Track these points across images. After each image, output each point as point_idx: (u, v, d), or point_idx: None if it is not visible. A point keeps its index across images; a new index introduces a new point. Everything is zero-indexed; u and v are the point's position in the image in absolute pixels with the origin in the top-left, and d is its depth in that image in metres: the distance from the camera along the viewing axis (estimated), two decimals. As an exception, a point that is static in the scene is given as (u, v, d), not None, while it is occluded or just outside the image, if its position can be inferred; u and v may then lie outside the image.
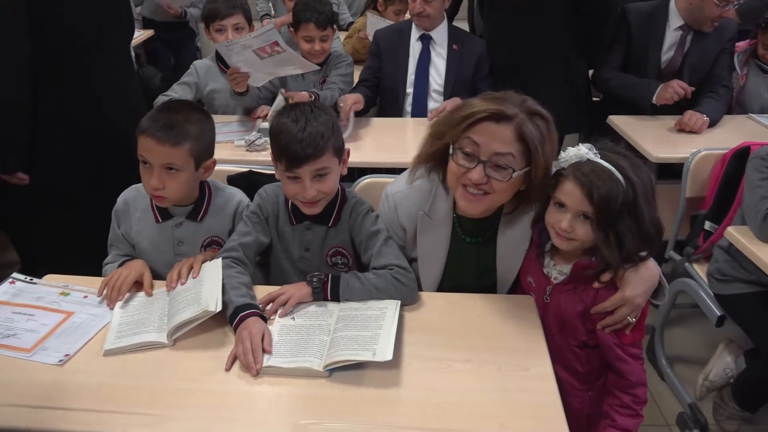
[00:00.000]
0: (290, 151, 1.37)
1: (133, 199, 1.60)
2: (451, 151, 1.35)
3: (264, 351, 1.24)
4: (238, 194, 1.64)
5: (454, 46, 2.60)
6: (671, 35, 2.56)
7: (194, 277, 1.42)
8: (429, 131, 1.42)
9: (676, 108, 2.49)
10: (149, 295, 1.44)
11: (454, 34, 2.63)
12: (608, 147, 1.31)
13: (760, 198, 1.72)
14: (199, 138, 1.49)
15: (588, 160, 1.27)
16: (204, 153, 1.52)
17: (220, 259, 1.44)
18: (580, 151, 1.28)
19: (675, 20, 2.53)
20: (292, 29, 2.59)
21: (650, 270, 1.31)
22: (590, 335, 1.35)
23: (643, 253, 1.29)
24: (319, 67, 2.52)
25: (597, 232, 1.26)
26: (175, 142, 1.44)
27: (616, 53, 2.63)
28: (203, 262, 1.47)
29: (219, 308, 1.31)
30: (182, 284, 1.42)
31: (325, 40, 2.49)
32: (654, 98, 2.49)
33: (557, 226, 1.30)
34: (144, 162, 1.46)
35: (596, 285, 1.31)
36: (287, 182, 1.43)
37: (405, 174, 1.52)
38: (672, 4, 2.54)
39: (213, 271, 1.40)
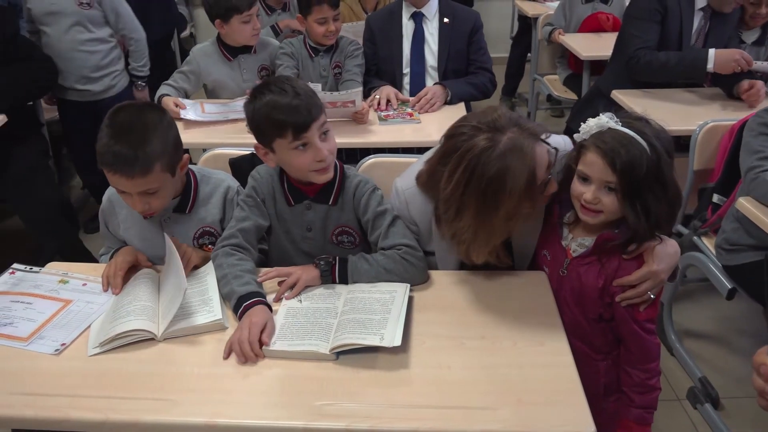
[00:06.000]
0: (293, 119, 1.33)
1: (117, 196, 1.50)
2: None
3: (261, 342, 1.20)
4: (226, 179, 1.58)
5: (445, 20, 2.55)
6: (696, 17, 2.48)
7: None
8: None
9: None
10: (150, 266, 1.43)
11: (444, 7, 2.58)
12: (630, 115, 1.28)
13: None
14: (165, 148, 1.37)
15: (609, 128, 1.24)
16: (175, 158, 1.41)
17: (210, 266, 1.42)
18: (600, 121, 1.25)
19: (700, 1, 2.46)
20: (300, 16, 2.53)
21: (674, 247, 1.30)
22: (607, 308, 1.33)
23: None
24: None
25: (623, 202, 1.23)
26: (144, 171, 1.33)
27: (652, 33, 2.46)
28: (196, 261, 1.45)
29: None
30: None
31: (337, 20, 2.45)
32: (712, 65, 2.34)
33: (582, 199, 1.27)
34: (120, 191, 1.39)
35: (626, 257, 1.28)
36: (296, 155, 1.38)
37: (414, 167, 1.47)
38: None
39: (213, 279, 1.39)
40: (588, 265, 1.33)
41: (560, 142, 1.41)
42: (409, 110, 2.34)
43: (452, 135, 1.30)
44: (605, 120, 1.25)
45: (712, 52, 2.35)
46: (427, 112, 2.37)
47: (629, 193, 1.22)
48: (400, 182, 1.48)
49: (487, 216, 1.23)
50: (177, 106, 2.29)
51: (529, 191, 1.22)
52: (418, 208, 1.44)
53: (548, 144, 1.28)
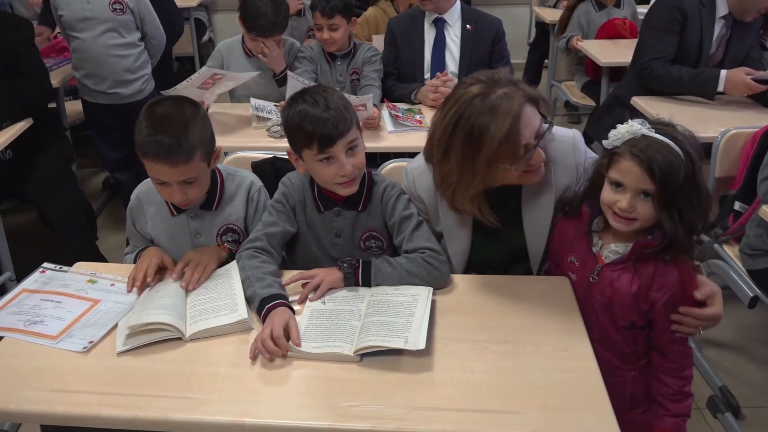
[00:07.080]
0: (320, 132, 1.34)
1: (145, 194, 1.55)
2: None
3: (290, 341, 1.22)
4: (249, 176, 1.60)
5: (468, 27, 2.56)
6: (717, 25, 2.46)
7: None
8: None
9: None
10: (173, 272, 1.44)
11: (467, 14, 2.59)
12: (658, 121, 1.27)
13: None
14: (203, 137, 1.41)
15: (643, 135, 1.22)
16: (211, 147, 1.45)
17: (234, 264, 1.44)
18: (633, 127, 1.23)
19: (721, 9, 2.43)
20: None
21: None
22: (642, 316, 1.32)
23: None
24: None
25: (659, 209, 1.22)
26: (187, 159, 1.36)
27: (668, 45, 2.45)
28: (216, 263, 1.47)
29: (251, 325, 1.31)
30: (191, 288, 1.39)
31: (334, 29, 2.43)
32: (722, 87, 2.35)
33: (615, 207, 1.25)
34: (160, 182, 1.41)
35: (667, 262, 1.28)
36: (321, 167, 1.39)
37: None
38: None
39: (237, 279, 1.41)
40: (621, 271, 1.31)
41: (568, 134, 1.44)
42: (418, 117, 2.35)
43: (456, 87, 1.38)
44: (637, 126, 1.23)
45: (723, 73, 2.36)
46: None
47: (666, 200, 1.21)
48: (410, 164, 1.55)
49: (470, 159, 1.30)
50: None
51: (509, 142, 1.26)
52: (425, 184, 1.49)
53: (545, 117, 1.33)
